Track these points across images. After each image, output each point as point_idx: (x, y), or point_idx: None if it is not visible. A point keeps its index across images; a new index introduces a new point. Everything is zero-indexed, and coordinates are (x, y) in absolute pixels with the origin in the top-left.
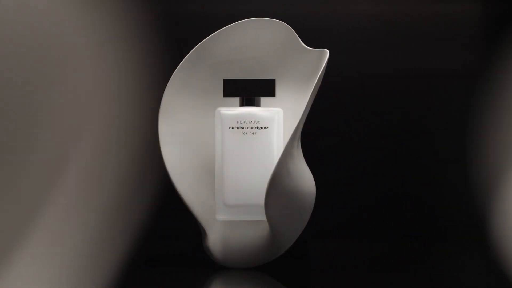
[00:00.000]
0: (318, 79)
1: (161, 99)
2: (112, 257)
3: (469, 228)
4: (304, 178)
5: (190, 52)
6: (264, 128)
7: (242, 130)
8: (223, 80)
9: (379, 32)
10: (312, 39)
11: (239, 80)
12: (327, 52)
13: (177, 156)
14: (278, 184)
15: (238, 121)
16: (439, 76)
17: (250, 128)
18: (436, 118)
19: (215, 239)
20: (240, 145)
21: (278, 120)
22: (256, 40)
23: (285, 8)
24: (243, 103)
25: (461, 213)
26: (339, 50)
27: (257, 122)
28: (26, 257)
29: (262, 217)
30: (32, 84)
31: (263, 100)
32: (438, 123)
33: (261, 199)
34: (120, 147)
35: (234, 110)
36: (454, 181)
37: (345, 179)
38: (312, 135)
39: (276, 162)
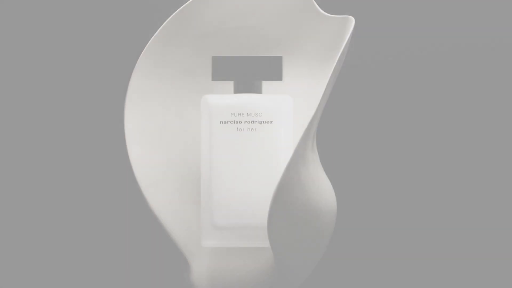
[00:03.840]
0: (340, 57)
1: (128, 84)
2: None
3: None
4: (321, 190)
5: (168, 19)
6: (267, 122)
7: (238, 125)
8: (211, 57)
9: None
10: (332, 3)
11: (233, 57)
12: (353, 20)
13: (149, 161)
14: (286, 198)
15: (232, 114)
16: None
17: (248, 122)
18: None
19: (200, 273)
20: (234, 145)
21: (286, 111)
22: (257, 4)
23: None
24: (238, 89)
25: None
26: (369, 17)
27: (257, 114)
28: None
29: (264, 243)
30: None
31: (266, 84)
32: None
33: (262, 218)
34: (79, 146)
35: (226, 99)
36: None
37: (374, 191)
38: (332, 133)
39: (284, 168)
